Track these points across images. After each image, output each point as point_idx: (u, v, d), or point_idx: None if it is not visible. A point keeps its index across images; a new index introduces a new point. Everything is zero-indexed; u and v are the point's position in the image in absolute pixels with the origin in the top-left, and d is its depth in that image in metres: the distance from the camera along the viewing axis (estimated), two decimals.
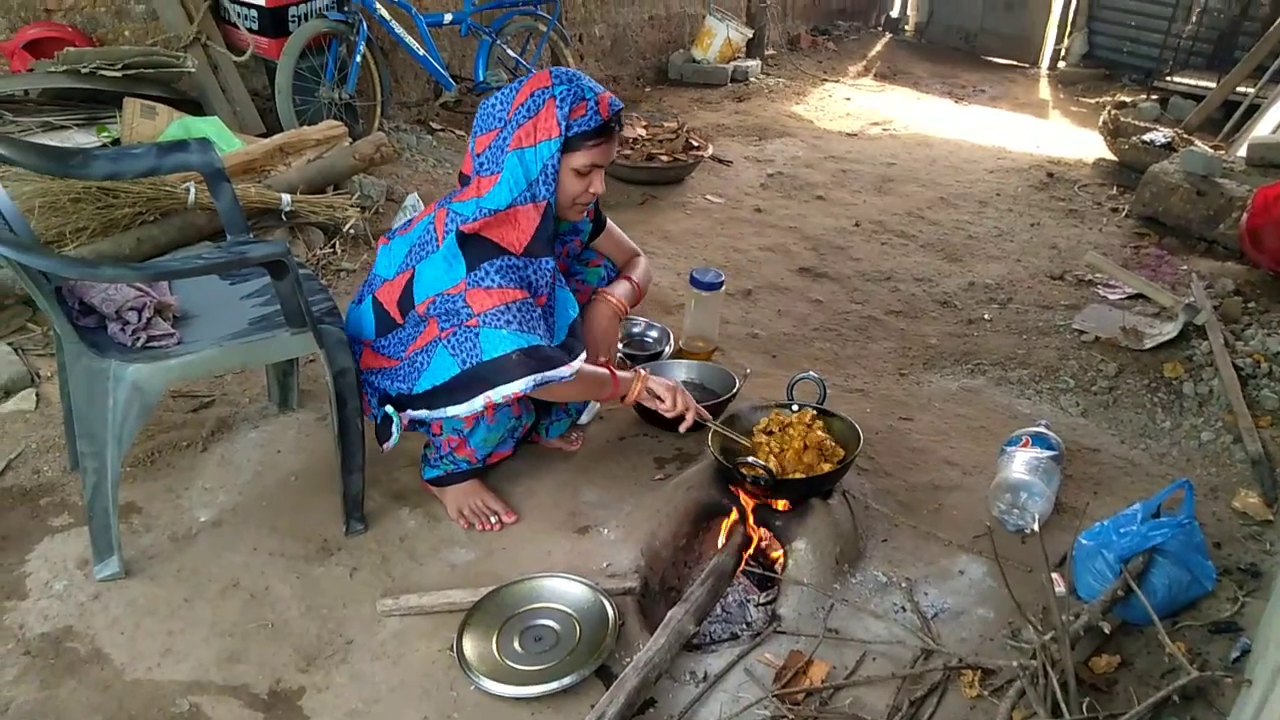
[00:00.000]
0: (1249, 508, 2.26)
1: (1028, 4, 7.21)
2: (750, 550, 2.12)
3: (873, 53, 7.16)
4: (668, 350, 2.87)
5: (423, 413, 2.04)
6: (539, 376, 1.90)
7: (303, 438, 2.47)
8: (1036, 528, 1.83)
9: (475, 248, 1.91)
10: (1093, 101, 6.20)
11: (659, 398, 2.15)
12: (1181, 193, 3.84)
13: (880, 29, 7.83)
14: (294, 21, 3.87)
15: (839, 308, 3.28)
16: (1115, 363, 2.85)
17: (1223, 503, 2.29)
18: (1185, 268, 3.54)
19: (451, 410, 2.00)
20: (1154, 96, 5.86)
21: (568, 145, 1.90)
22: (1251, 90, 5.44)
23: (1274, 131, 4.23)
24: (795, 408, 2.31)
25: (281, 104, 3.74)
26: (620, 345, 2.55)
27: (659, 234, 3.75)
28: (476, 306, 1.90)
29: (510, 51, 4.71)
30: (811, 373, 2.34)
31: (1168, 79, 6.15)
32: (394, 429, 2.06)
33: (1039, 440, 2.30)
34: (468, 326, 1.93)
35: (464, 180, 2.03)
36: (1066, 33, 7.11)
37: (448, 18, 4.37)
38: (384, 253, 2.10)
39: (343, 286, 3.21)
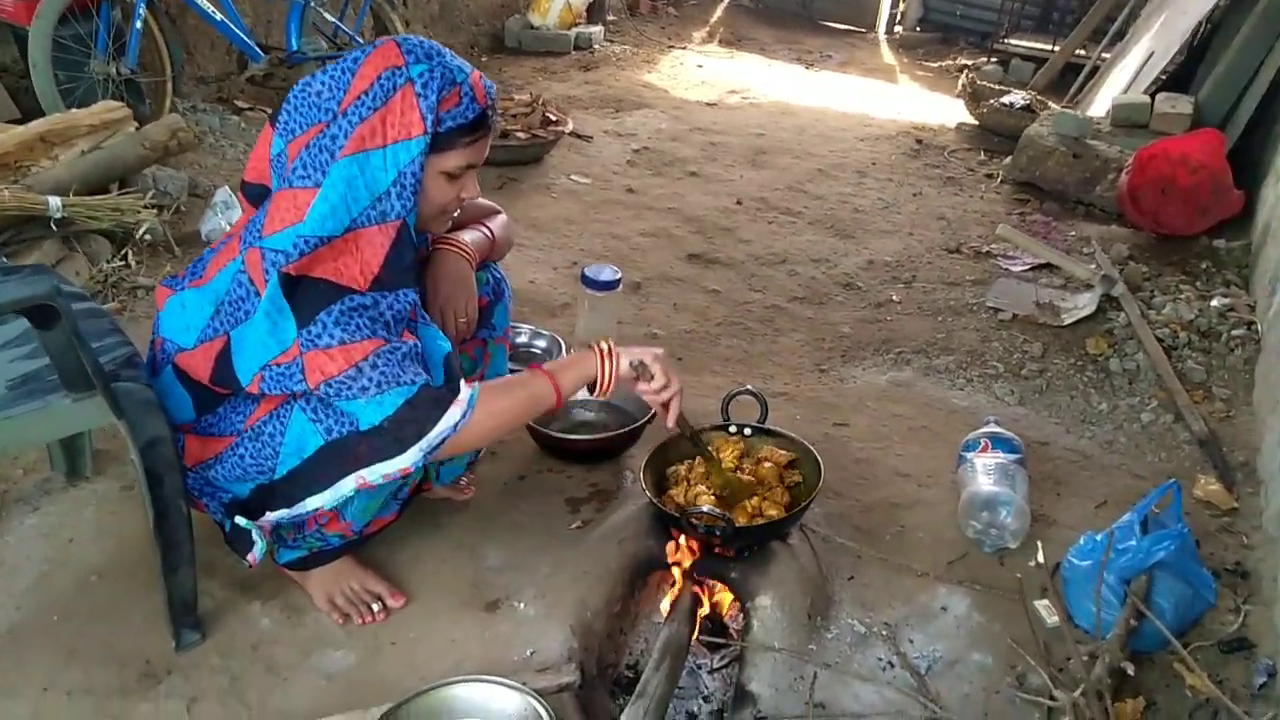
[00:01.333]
0: (1211, 495, 2.11)
1: None
2: (704, 612, 1.75)
3: (714, 18, 6.90)
4: None
5: (281, 513, 1.54)
6: (427, 440, 1.41)
7: (104, 517, 1.89)
8: (1041, 559, 1.57)
9: (306, 294, 1.38)
10: (935, 65, 6.20)
11: (649, 373, 1.55)
12: (1058, 156, 3.77)
13: None
14: None
15: (738, 297, 2.95)
16: (1039, 342, 2.67)
17: (1184, 492, 2.13)
18: (1073, 233, 3.45)
19: (313, 502, 1.51)
20: (994, 59, 5.91)
21: (435, 143, 1.41)
22: (1084, 52, 5.56)
23: (1125, 91, 4.26)
24: (733, 429, 1.95)
25: (39, 81, 2.98)
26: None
27: (525, 222, 3.29)
28: (313, 377, 1.39)
29: (328, 15, 4.06)
30: (749, 386, 1.99)
31: (1005, 41, 6.23)
32: (255, 537, 1.54)
33: (999, 442, 2.06)
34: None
35: (250, 191, 1.50)
36: None
37: None
38: (171, 310, 1.53)
39: (141, 309, 2.57)
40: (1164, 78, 4.32)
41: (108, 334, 1.61)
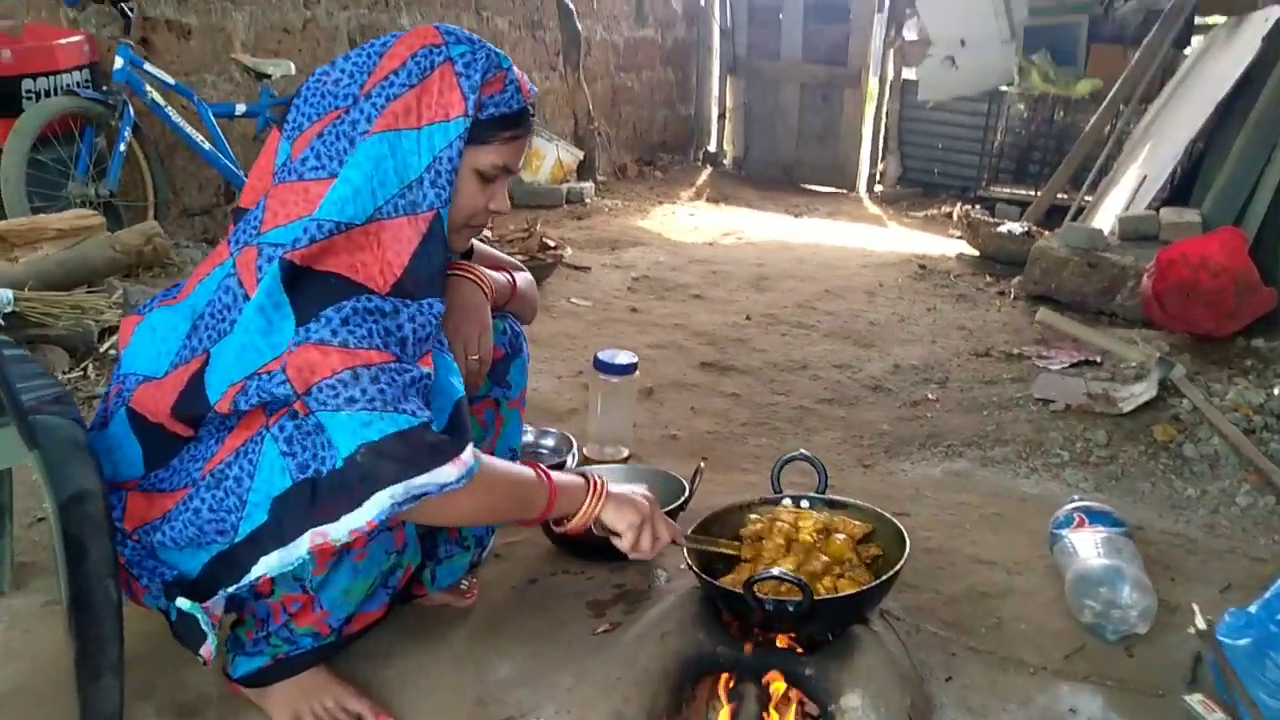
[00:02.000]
0: None
1: (839, 134, 7.41)
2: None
3: (699, 181, 7.06)
4: (570, 462, 2.15)
5: (232, 588, 1.20)
6: (407, 485, 1.10)
7: (15, 637, 1.54)
8: (1202, 624, 1.24)
9: (312, 288, 1.13)
10: (921, 214, 6.29)
11: (614, 529, 1.35)
12: (1073, 266, 3.66)
13: (700, 163, 7.81)
14: (30, 98, 3.02)
15: (761, 400, 2.70)
16: (1101, 430, 2.41)
17: None
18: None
19: (259, 567, 1.17)
20: (979, 206, 5.99)
21: (474, 134, 1.22)
22: (1065, 196, 5.66)
23: (1127, 207, 4.23)
24: (788, 502, 1.64)
25: (8, 195, 2.82)
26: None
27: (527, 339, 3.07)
28: (300, 379, 1.11)
29: None
30: (804, 450, 1.70)
31: (988, 189, 6.36)
32: (203, 625, 1.20)
33: (1096, 517, 1.75)
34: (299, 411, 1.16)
35: (241, 218, 1.25)
36: (879, 158, 7.33)
37: (240, 108, 3.65)
38: (140, 339, 1.26)
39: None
40: (1162, 199, 4.32)
41: (34, 376, 1.33)
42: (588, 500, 1.33)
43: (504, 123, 1.25)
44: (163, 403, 1.21)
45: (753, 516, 1.57)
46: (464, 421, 1.22)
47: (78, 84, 3.13)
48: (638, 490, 1.39)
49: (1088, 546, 1.66)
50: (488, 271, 1.50)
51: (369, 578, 1.31)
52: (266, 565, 1.16)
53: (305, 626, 1.31)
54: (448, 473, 1.13)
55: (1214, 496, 2.13)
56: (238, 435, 1.20)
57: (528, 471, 1.29)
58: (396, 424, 1.10)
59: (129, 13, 3.27)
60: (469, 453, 1.15)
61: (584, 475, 1.36)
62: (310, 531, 1.13)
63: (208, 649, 1.22)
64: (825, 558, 1.49)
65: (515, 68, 1.29)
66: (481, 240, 1.60)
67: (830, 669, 1.38)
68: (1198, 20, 5.66)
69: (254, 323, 1.14)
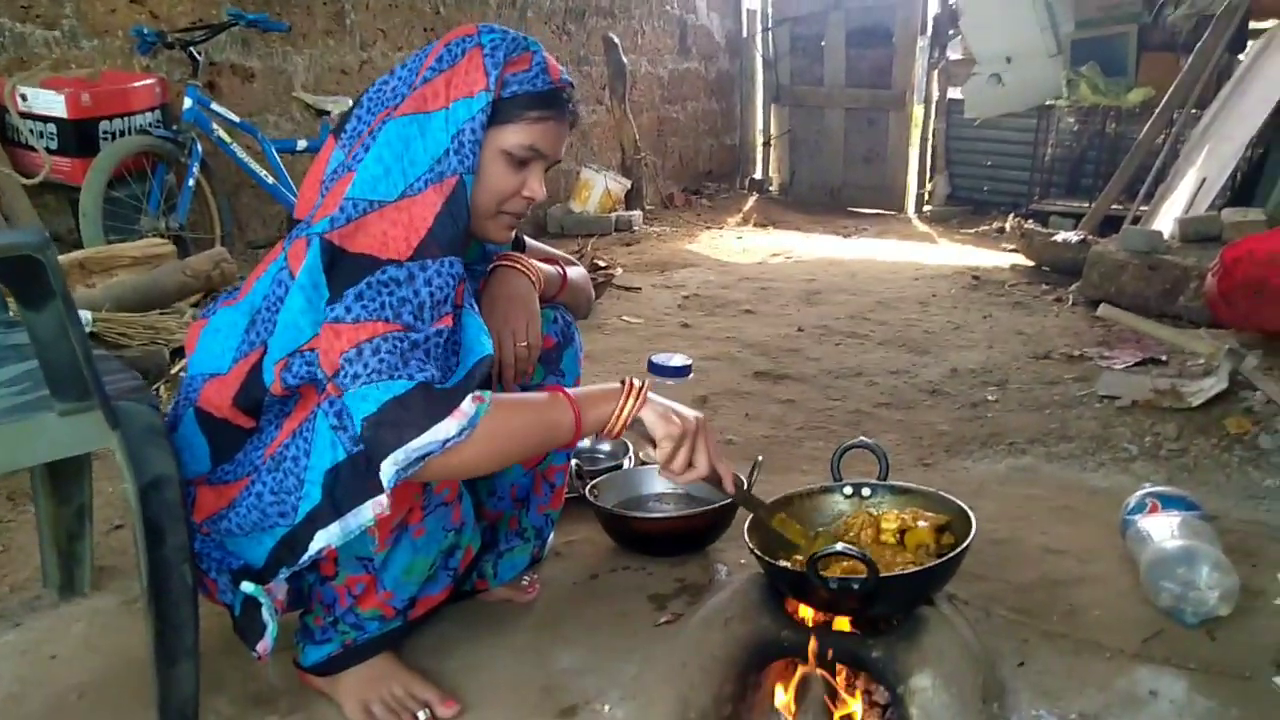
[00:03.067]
0: None
1: (885, 156, 7.40)
2: (845, 710, 1.35)
3: (746, 207, 7.10)
4: (627, 464, 2.16)
5: (304, 557, 1.22)
6: (405, 450, 1.10)
7: (95, 633, 1.58)
8: None
9: (344, 270, 1.16)
10: (972, 231, 6.22)
11: (651, 434, 1.29)
12: (1132, 269, 3.58)
13: (746, 190, 7.85)
14: (106, 139, 3.18)
15: (816, 405, 2.69)
16: (1170, 424, 2.35)
17: None
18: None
19: (320, 540, 1.20)
20: (1032, 220, 5.91)
21: (498, 113, 1.24)
22: (1120, 206, 5.55)
23: (1186, 211, 4.14)
24: (849, 489, 1.62)
25: (87, 228, 2.96)
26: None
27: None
28: (327, 362, 1.14)
29: None
30: (864, 437, 1.68)
31: (1040, 203, 6.27)
32: (266, 616, 1.23)
33: (1170, 501, 1.70)
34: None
35: (295, 226, 1.29)
36: (927, 178, 7.29)
37: (301, 143, 3.78)
38: (205, 342, 1.31)
39: None
40: (1222, 202, 4.22)
41: (115, 371, 1.39)
42: (622, 399, 1.26)
43: (529, 101, 1.25)
44: (225, 395, 1.25)
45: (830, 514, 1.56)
46: (473, 375, 1.19)
47: (150, 124, 3.28)
48: (692, 412, 1.34)
49: (1163, 530, 1.61)
50: (535, 262, 1.52)
51: (429, 555, 1.32)
52: (327, 536, 1.18)
53: (371, 609, 1.34)
54: (446, 428, 1.11)
55: None
56: (294, 418, 1.23)
57: (539, 396, 1.25)
58: (391, 390, 1.10)
59: (197, 57, 3.44)
60: (468, 403, 1.13)
61: (621, 381, 1.29)
62: (370, 501, 1.16)
63: (264, 644, 1.24)
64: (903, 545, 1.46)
65: (546, 53, 1.32)
66: None
67: (898, 650, 1.35)
68: (1251, 25, 5.56)
69: (295, 301, 1.18)
